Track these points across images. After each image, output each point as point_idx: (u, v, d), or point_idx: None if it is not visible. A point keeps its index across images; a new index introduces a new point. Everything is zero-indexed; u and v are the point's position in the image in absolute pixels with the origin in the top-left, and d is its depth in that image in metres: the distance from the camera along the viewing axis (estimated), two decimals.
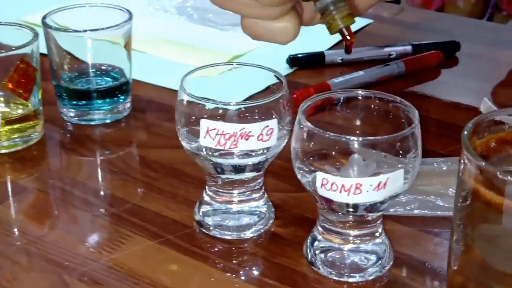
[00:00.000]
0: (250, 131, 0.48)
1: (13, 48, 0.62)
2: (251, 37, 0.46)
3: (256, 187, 0.53)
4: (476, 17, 1.28)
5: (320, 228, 0.49)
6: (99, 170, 0.63)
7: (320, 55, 0.80)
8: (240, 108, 0.49)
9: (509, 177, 0.36)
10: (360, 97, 0.49)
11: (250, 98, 0.59)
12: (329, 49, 0.83)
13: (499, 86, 0.75)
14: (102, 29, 0.66)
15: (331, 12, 0.44)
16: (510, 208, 0.37)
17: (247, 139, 0.48)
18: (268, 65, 0.79)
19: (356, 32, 0.88)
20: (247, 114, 0.50)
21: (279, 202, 0.56)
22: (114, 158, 0.64)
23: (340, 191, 0.44)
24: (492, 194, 0.37)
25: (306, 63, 0.80)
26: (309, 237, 0.50)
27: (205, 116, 0.49)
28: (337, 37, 0.84)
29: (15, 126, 0.64)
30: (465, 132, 0.40)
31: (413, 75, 0.77)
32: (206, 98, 0.49)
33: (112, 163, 0.63)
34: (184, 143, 0.51)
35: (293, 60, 0.80)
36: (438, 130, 0.67)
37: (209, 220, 0.53)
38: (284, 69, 0.79)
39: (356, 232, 0.48)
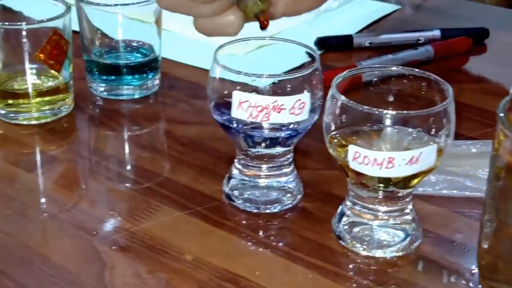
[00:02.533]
0: (282, 104, 0.48)
1: (45, 20, 0.63)
2: (205, 35, 0.52)
3: (286, 162, 0.53)
4: (504, 5, 1.26)
5: (349, 203, 0.49)
6: (127, 144, 0.64)
7: (348, 38, 0.80)
8: (273, 82, 0.49)
9: None
10: (393, 74, 0.49)
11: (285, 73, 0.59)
12: (358, 32, 0.83)
13: None
14: (133, 4, 0.67)
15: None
16: None
17: (279, 112, 0.48)
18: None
19: (384, 17, 0.88)
20: (279, 89, 0.50)
21: (308, 179, 0.56)
22: (143, 133, 0.64)
23: (372, 165, 0.44)
24: None
25: (334, 46, 0.80)
26: (337, 212, 0.51)
27: (238, 88, 0.49)
28: (363, 23, 0.85)
29: (46, 98, 0.65)
30: (501, 106, 0.40)
31: (442, 60, 0.77)
32: (239, 71, 0.49)
33: (140, 137, 0.64)
34: (215, 116, 0.51)
35: (321, 42, 0.80)
36: (466, 114, 0.67)
37: (237, 194, 0.53)
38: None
39: (385, 208, 0.48)
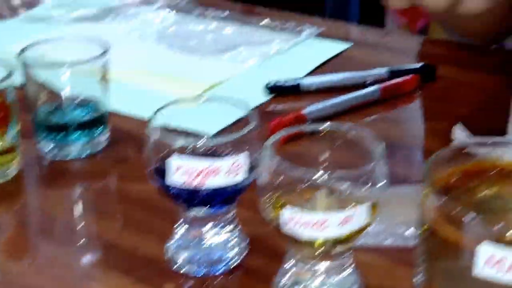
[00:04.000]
0: (219, 167, 0.48)
1: None
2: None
3: (228, 220, 0.53)
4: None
5: (289, 262, 0.50)
6: (75, 205, 0.64)
7: (297, 82, 0.81)
8: (211, 144, 0.50)
9: (467, 215, 0.37)
10: (327, 129, 0.49)
11: (222, 131, 0.60)
12: (306, 76, 0.84)
13: (475, 111, 0.76)
14: (79, 62, 0.67)
15: None
16: (468, 245, 0.37)
17: (215, 176, 0.48)
18: (246, 92, 0.81)
19: (334, 57, 0.89)
20: (217, 148, 0.50)
21: (253, 234, 0.56)
22: (91, 192, 0.64)
23: (306, 227, 0.45)
24: (451, 230, 0.38)
25: (283, 91, 0.81)
26: (279, 271, 0.51)
27: (174, 152, 0.49)
28: (314, 64, 0.86)
29: None
30: (428, 165, 0.41)
31: (390, 100, 0.78)
32: (176, 133, 0.49)
33: (88, 197, 0.63)
34: (153, 180, 0.51)
35: (270, 88, 0.80)
36: (411, 156, 0.68)
37: (181, 256, 0.53)
38: (262, 97, 0.80)
39: (325, 265, 0.48)
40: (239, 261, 0.54)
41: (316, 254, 0.48)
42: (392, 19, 1.91)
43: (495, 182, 0.43)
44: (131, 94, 0.81)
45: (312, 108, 0.74)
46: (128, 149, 0.70)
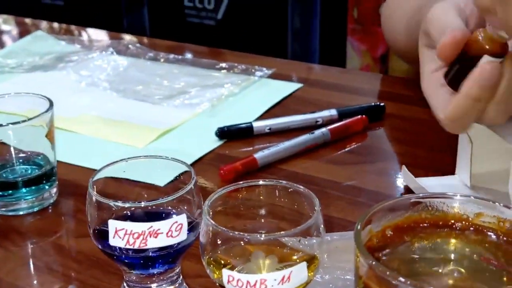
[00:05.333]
0: (159, 229, 0.48)
1: None
2: None
3: (174, 277, 0.53)
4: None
5: None
6: (22, 265, 0.63)
7: (248, 126, 0.82)
8: (151, 205, 0.50)
9: (399, 278, 0.37)
10: (265, 186, 0.50)
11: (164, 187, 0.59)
12: (258, 118, 0.84)
13: (422, 149, 0.77)
14: (23, 121, 0.66)
15: None
16: None
17: (156, 237, 0.48)
18: (198, 138, 0.81)
19: (286, 98, 0.90)
20: (157, 209, 0.50)
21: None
22: (39, 250, 0.64)
23: (247, 287, 0.45)
24: None
25: (235, 135, 0.81)
26: None
27: (113, 214, 0.49)
28: (265, 107, 0.87)
29: None
30: (357, 226, 0.41)
31: (340, 141, 0.79)
32: (114, 200, 0.49)
33: (36, 256, 0.63)
34: (95, 242, 0.51)
35: (221, 132, 0.81)
36: (361, 199, 0.68)
37: None
38: (214, 142, 0.80)
39: None
40: None
41: None
42: (352, 47, 1.93)
43: (429, 234, 0.44)
44: (80, 144, 0.80)
45: (264, 153, 0.75)
46: (78, 202, 0.70)
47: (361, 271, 0.40)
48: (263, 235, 0.45)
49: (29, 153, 0.70)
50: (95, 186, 0.51)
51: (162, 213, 0.50)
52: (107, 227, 0.49)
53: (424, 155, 0.76)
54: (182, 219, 0.49)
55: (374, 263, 0.39)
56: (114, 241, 0.49)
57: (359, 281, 0.41)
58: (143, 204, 0.49)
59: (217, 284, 0.47)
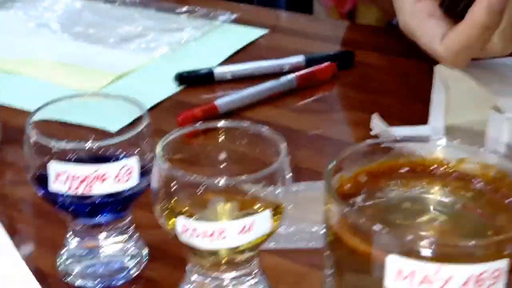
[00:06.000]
0: (106, 173, 0.43)
1: None
2: None
3: (125, 227, 0.48)
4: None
5: (191, 272, 0.45)
6: None
7: (209, 72, 0.76)
8: (97, 147, 0.44)
9: (374, 225, 0.33)
10: (225, 128, 0.45)
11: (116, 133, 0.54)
12: (220, 64, 0.79)
13: (395, 100, 0.73)
14: None
15: None
16: (378, 257, 0.33)
17: (102, 181, 0.43)
18: (156, 83, 0.76)
19: (250, 44, 0.85)
20: (105, 151, 0.45)
21: (154, 240, 0.51)
22: None
23: (203, 237, 0.40)
24: (357, 241, 0.34)
25: (195, 81, 0.76)
26: (182, 282, 0.46)
27: (54, 156, 0.44)
28: (228, 52, 0.82)
29: None
30: (328, 169, 0.37)
31: (307, 89, 0.74)
32: (55, 139, 0.44)
33: None
34: (35, 188, 0.46)
35: (181, 78, 0.75)
36: (327, 148, 0.64)
37: (74, 268, 0.48)
38: (172, 87, 0.75)
39: (230, 275, 0.44)
40: (139, 271, 0.49)
41: (218, 263, 0.43)
42: (319, 1, 1.88)
43: (406, 181, 0.40)
44: (26, 87, 0.74)
45: (225, 99, 0.70)
46: (21, 148, 0.64)
47: (332, 221, 0.36)
48: (223, 180, 0.40)
49: None
50: (34, 129, 0.45)
51: (111, 158, 0.45)
52: (47, 172, 0.44)
53: (395, 105, 0.72)
54: (132, 162, 0.44)
55: (347, 210, 0.34)
56: (55, 186, 0.43)
57: (329, 232, 0.36)
58: (88, 145, 0.44)
59: (171, 234, 0.43)
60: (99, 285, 0.48)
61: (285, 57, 0.79)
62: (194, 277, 0.45)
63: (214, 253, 0.42)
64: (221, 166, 0.45)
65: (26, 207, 0.56)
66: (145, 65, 0.80)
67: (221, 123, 0.45)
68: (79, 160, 0.44)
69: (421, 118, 0.64)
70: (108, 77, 0.76)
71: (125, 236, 0.49)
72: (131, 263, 0.49)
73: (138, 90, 0.74)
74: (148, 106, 0.71)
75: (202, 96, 0.74)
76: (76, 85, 0.75)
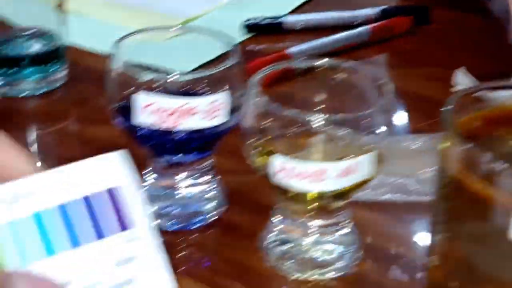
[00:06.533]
0: (195, 107, 0.40)
1: None
2: None
3: (205, 169, 0.46)
4: None
5: (277, 218, 0.43)
6: (29, 149, 0.56)
7: (279, 20, 0.73)
8: (186, 79, 0.42)
9: (503, 165, 0.30)
10: (324, 66, 0.42)
11: (200, 67, 0.52)
12: (289, 13, 0.76)
13: (475, 56, 0.69)
14: None
15: None
16: (502, 202, 0.30)
17: (191, 116, 0.41)
18: (223, 30, 0.73)
19: None
20: (193, 86, 0.42)
21: (233, 186, 0.49)
22: (47, 135, 0.56)
23: (301, 178, 0.38)
24: (481, 184, 0.31)
25: (264, 29, 0.73)
26: (266, 228, 0.44)
27: (142, 88, 0.41)
28: (297, 2, 0.78)
29: None
30: (447, 109, 0.34)
31: (381, 43, 0.71)
32: (143, 67, 0.41)
33: (44, 141, 0.55)
34: (116, 121, 0.44)
35: (249, 26, 0.72)
36: (408, 103, 0.61)
37: (151, 207, 0.46)
38: (240, 36, 0.72)
39: (319, 222, 0.42)
40: (217, 215, 0.47)
41: (309, 209, 0.41)
42: None
43: None
44: (92, 28, 0.72)
45: (298, 47, 0.67)
46: (89, 88, 0.62)
47: (451, 166, 0.33)
48: (324, 117, 0.37)
49: (36, 28, 0.61)
50: (118, 54, 0.43)
51: (198, 92, 0.42)
52: (131, 104, 0.41)
53: (477, 63, 0.68)
54: (224, 97, 0.41)
55: (472, 148, 0.31)
56: (140, 118, 0.41)
57: (444, 181, 0.33)
58: (177, 75, 0.41)
59: (261, 174, 0.40)
60: (174, 227, 0.46)
61: (357, 9, 0.75)
62: (280, 222, 0.43)
63: (307, 197, 0.40)
64: (316, 110, 0.42)
65: (96, 145, 0.54)
66: (210, 11, 0.77)
67: (320, 62, 0.42)
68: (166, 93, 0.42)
69: (505, 74, 0.61)
70: (174, 21, 0.74)
71: (205, 178, 0.46)
72: (209, 207, 0.47)
73: (197, 42, 0.71)
74: (215, 55, 0.68)
75: (270, 45, 0.71)
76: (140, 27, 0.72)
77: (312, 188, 0.38)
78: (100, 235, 0.29)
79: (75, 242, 0.28)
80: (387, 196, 0.48)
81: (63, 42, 0.61)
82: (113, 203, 0.29)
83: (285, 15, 0.74)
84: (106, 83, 0.43)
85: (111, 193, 0.29)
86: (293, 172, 0.38)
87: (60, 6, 0.60)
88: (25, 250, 0.27)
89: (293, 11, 0.77)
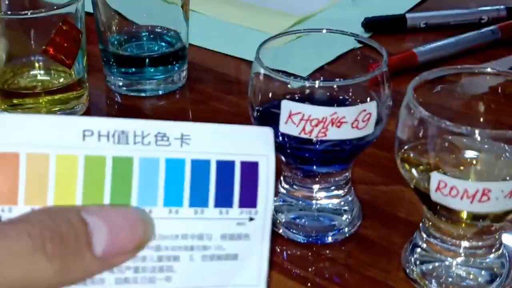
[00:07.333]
0: (344, 117, 0.38)
1: (55, 8, 0.53)
2: None
3: (342, 181, 0.44)
4: None
5: (424, 235, 0.40)
6: None
7: (401, 18, 0.70)
8: (330, 87, 0.40)
9: None
10: (485, 73, 0.39)
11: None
12: (410, 10, 0.73)
13: None
14: None
15: None
16: None
17: (338, 126, 0.39)
18: (340, 28, 0.70)
19: None
20: (335, 94, 0.40)
21: (367, 197, 0.47)
22: None
23: (462, 197, 0.35)
24: None
25: (385, 28, 0.70)
26: (409, 245, 0.41)
27: (286, 96, 0.39)
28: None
29: (56, 96, 0.56)
30: None
31: (510, 43, 0.67)
32: (289, 74, 0.39)
33: None
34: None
35: (369, 24, 0.70)
36: None
37: (282, 217, 0.45)
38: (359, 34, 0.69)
39: (470, 244, 0.39)
40: (353, 230, 0.45)
41: (462, 229, 0.38)
42: None
43: None
44: (211, 27, 0.71)
45: (425, 47, 0.63)
46: (209, 88, 0.61)
47: None
48: (491, 130, 0.34)
49: (159, 27, 0.61)
50: (262, 58, 0.41)
51: (344, 100, 0.40)
52: (274, 110, 0.40)
53: None
54: (372, 107, 0.39)
55: None
56: (286, 127, 0.39)
57: None
58: (330, 83, 0.39)
59: (412, 186, 0.38)
60: (307, 239, 0.44)
61: (482, 6, 0.71)
62: (425, 239, 0.40)
63: (461, 216, 0.37)
64: (476, 116, 0.39)
65: None
66: (327, 8, 0.74)
67: (484, 68, 0.39)
68: (307, 101, 0.40)
69: None
70: (289, 19, 0.72)
71: (341, 191, 0.44)
72: (344, 221, 0.44)
73: (325, 42, 0.69)
74: (336, 54, 0.66)
75: (392, 45, 0.68)
76: (258, 26, 0.70)
77: (474, 208, 0.35)
78: (218, 203, 0.28)
79: (193, 201, 0.27)
80: None
81: (185, 43, 0.60)
82: (244, 177, 0.28)
83: (406, 12, 0.71)
84: (250, 87, 0.42)
85: (245, 166, 0.28)
86: (454, 191, 0.35)
87: (184, 6, 0.59)
88: (145, 191, 0.26)
89: (414, 8, 0.73)
